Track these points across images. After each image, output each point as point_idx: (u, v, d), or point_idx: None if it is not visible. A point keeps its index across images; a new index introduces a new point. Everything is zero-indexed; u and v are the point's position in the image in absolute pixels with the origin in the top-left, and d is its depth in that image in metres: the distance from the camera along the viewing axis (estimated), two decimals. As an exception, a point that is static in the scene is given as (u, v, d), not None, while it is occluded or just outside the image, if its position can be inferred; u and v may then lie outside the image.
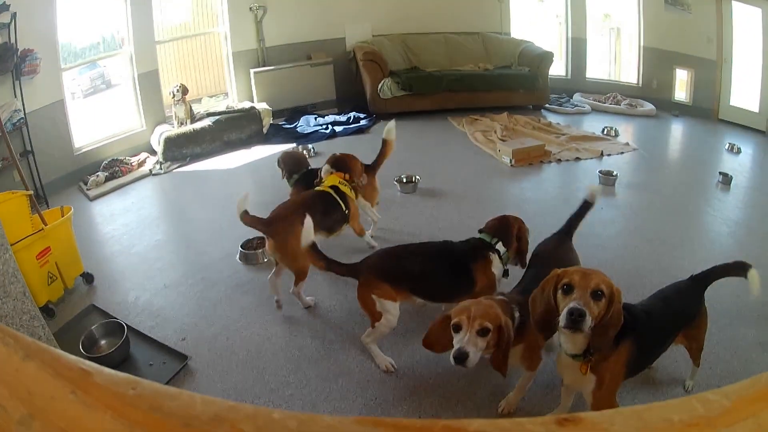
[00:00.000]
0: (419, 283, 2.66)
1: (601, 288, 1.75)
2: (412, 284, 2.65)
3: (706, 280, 2.29)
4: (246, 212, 3.00)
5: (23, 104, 4.91)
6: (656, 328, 2.06)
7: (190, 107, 6.57)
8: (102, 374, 0.37)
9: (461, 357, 1.88)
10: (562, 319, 1.75)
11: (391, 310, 2.61)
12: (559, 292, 1.81)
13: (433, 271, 2.66)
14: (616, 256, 3.78)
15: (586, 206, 2.85)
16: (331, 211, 3.30)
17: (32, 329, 1.81)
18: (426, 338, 2.18)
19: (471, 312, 1.94)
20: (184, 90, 6.39)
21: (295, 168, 4.00)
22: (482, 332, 1.91)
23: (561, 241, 2.75)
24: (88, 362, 0.38)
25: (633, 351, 1.92)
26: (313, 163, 4.17)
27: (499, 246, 2.69)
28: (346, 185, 3.42)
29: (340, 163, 3.55)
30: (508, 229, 2.74)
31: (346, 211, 3.37)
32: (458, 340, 1.93)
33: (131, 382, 0.38)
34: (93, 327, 2.99)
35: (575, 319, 1.71)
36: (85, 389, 0.37)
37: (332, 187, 3.37)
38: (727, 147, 6.28)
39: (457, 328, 1.93)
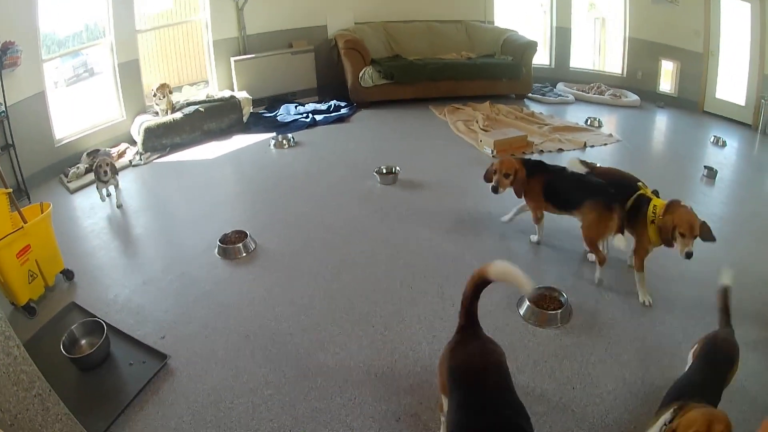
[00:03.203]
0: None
1: (509, 171, 3.61)
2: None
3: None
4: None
5: (4, 97, 4.83)
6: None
7: (172, 103, 6.52)
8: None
9: None
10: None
11: None
12: (496, 174, 3.68)
13: None
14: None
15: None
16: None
17: (8, 350, 1.81)
18: None
19: None
20: (164, 90, 6.40)
21: None
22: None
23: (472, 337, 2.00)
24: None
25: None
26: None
27: None
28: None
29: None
30: None
31: None
32: None
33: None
34: (73, 326, 2.97)
35: (495, 188, 3.69)
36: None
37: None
38: (712, 140, 6.30)
39: None
